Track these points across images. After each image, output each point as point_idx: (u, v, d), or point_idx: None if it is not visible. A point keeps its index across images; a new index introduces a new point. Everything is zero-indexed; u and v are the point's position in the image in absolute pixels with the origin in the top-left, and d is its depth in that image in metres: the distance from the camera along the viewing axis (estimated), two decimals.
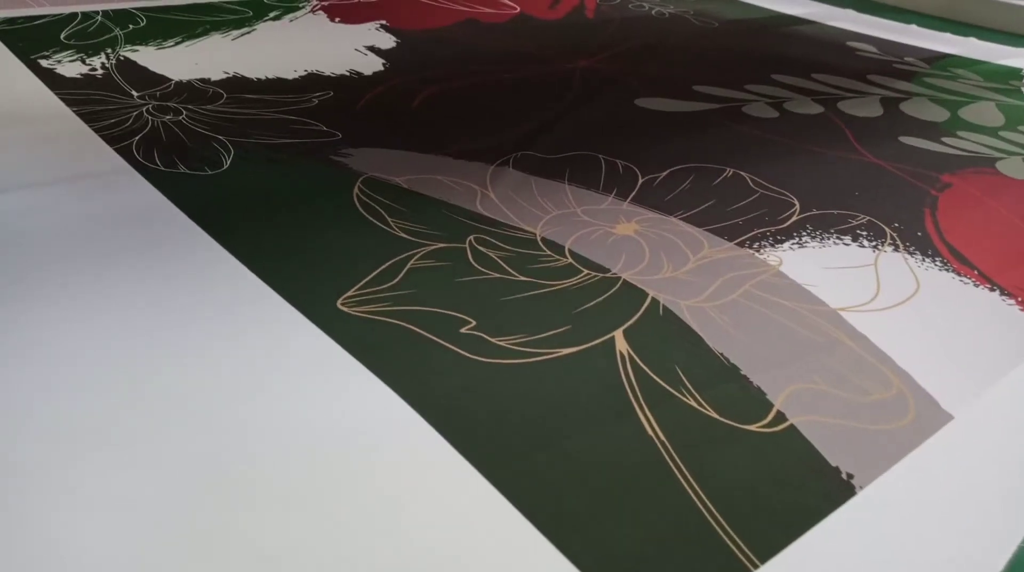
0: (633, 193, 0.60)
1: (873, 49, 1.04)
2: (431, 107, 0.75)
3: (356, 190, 0.57)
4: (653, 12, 1.14)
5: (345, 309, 0.43)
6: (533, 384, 0.39)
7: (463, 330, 0.42)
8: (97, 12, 0.94)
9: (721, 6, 1.21)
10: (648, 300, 0.46)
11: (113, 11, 0.95)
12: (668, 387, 0.40)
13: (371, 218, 0.54)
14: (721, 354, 0.42)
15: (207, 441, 0.35)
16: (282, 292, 0.45)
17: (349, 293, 0.45)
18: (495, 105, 0.77)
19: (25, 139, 0.62)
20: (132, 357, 0.39)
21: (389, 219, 0.54)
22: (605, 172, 0.63)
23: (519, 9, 1.09)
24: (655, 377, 0.40)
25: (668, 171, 0.64)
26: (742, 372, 0.41)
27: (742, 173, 0.64)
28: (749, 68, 0.92)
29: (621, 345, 0.42)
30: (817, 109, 0.80)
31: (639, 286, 0.47)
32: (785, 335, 0.44)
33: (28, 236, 0.49)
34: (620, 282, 0.48)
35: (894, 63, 0.98)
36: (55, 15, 0.93)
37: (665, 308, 0.45)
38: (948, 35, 1.14)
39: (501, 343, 0.41)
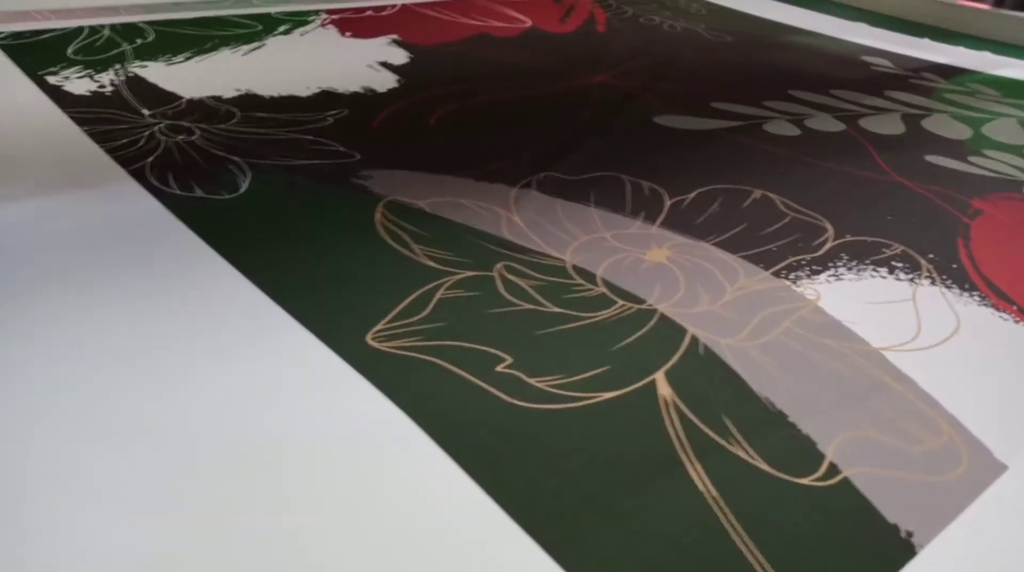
0: (662, 216, 0.58)
1: (888, 64, 1.02)
2: (448, 125, 0.73)
3: (378, 214, 0.55)
4: (665, 26, 1.12)
5: (375, 344, 0.41)
6: (575, 433, 0.37)
7: (499, 368, 0.40)
8: (104, 26, 0.93)
9: (733, 20, 1.20)
10: (687, 338, 0.44)
11: (120, 25, 0.93)
12: (716, 436, 0.38)
13: (395, 245, 0.52)
14: (767, 399, 0.40)
15: (234, 478, 0.33)
16: (309, 325, 0.43)
17: (378, 327, 0.43)
18: (513, 123, 0.75)
19: (35, 160, 0.60)
20: (157, 399, 0.37)
21: (414, 245, 0.52)
22: (631, 194, 0.61)
23: (530, 23, 1.08)
24: (701, 425, 0.38)
25: (695, 193, 0.62)
26: (789, 418, 0.39)
27: (770, 195, 0.62)
28: (766, 84, 0.90)
29: (663, 389, 0.40)
30: (838, 126, 0.79)
31: (677, 321, 0.45)
32: (830, 377, 0.42)
33: (38, 264, 0.47)
34: (657, 315, 0.46)
35: (911, 78, 0.97)
36: (61, 29, 0.91)
37: (706, 347, 0.43)
38: (962, 49, 1.12)
39: (539, 385, 0.39)
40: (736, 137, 0.75)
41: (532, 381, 0.40)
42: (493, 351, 0.41)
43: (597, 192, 0.61)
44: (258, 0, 1.06)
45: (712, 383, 0.41)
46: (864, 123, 0.80)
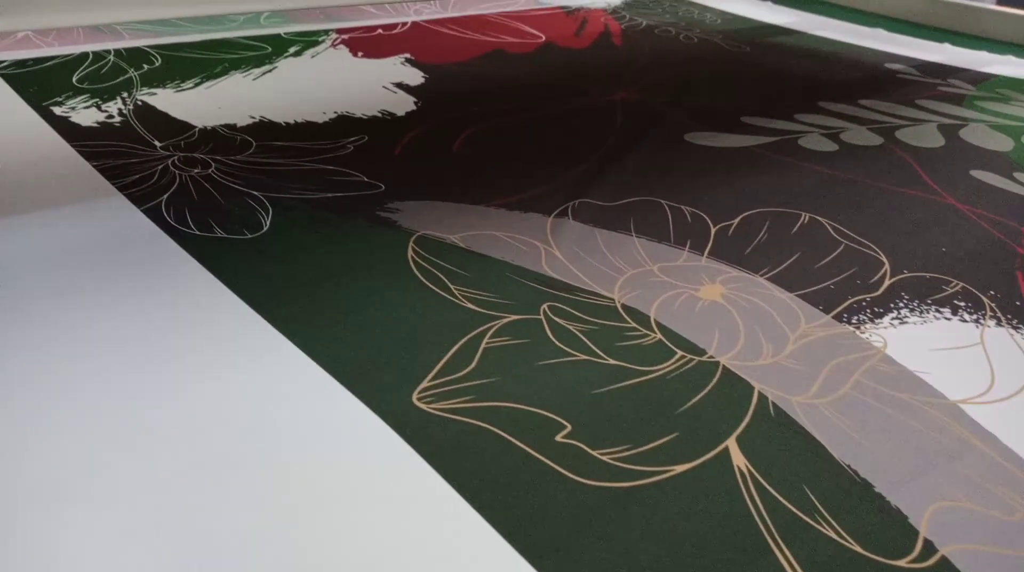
0: (709, 245, 0.54)
1: (913, 71, 0.99)
2: (472, 150, 0.69)
3: (410, 251, 0.52)
4: (681, 37, 1.09)
5: (422, 406, 0.38)
6: (650, 515, 0.33)
7: (559, 438, 0.36)
8: (109, 51, 0.89)
9: (748, 29, 1.16)
10: (755, 396, 0.40)
11: (125, 50, 0.90)
12: (801, 514, 0.34)
13: (431, 285, 0.48)
14: (848, 466, 0.37)
15: (274, 552, 0.29)
16: (349, 384, 0.39)
17: (424, 385, 0.39)
18: (538, 145, 0.71)
19: (43, 201, 0.56)
20: (198, 457, 0.33)
21: (451, 286, 0.48)
22: (672, 220, 0.57)
23: (544, 38, 1.04)
24: (784, 501, 0.34)
25: (740, 217, 0.58)
26: (876, 489, 0.36)
27: (819, 218, 0.58)
28: (793, 95, 0.87)
29: (738, 459, 0.36)
30: (876, 140, 0.75)
31: (742, 376, 0.41)
32: (909, 438, 0.39)
33: (55, 324, 0.43)
34: (720, 370, 0.42)
35: (939, 86, 0.93)
36: (65, 55, 0.87)
37: (776, 406, 0.40)
38: (984, 54, 1.09)
39: (604, 457, 0.36)
40: (772, 154, 0.71)
41: (596, 453, 0.36)
42: (550, 416, 0.38)
43: (636, 219, 0.57)
44: (266, 20, 1.02)
45: (789, 450, 0.37)
46: (901, 135, 0.76)
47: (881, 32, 1.16)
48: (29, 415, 0.36)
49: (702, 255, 0.53)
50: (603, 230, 0.56)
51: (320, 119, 0.73)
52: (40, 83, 0.78)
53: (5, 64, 0.83)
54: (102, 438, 0.35)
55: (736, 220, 0.58)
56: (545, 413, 0.38)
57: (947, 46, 1.11)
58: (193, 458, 0.34)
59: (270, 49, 0.92)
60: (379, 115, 0.75)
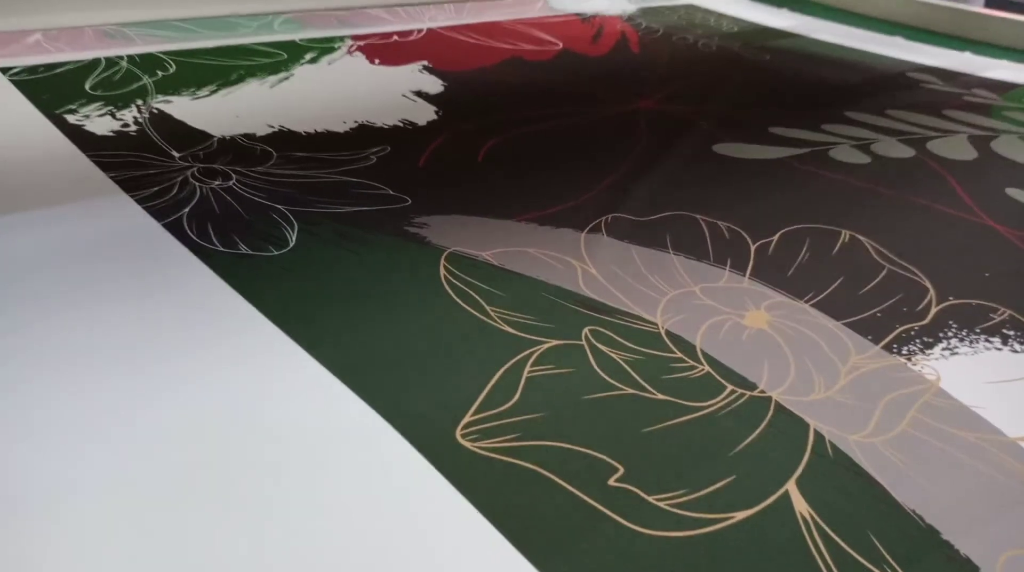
0: (750, 265, 0.52)
1: (936, 80, 0.97)
2: (498, 161, 0.67)
3: (442, 270, 0.49)
4: (699, 44, 1.06)
5: (467, 444, 0.35)
6: (713, 566, 0.31)
7: (611, 482, 0.34)
8: (121, 57, 0.86)
9: (767, 37, 1.14)
10: (811, 435, 0.38)
11: (138, 56, 0.87)
12: (870, 565, 0.31)
13: (467, 306, 0.46)
14: (913, 512, 0.34)
15: None
16: (387, 415, 0.37)
17: (467, 419, 0.37)
18: (564, 155, 0.69)
19: (59, 215, 0.53)
20: (221, 499, 0.31)
21: (487, 307, 0.46)
22: (710, 237, 0.55)
23: (561, 45, 1.02)
24: (851, 551, 0.32)
25: (779, 234, 0.56)
26: (943, 536, 0.33)
27: (859, 237, 0.56)
28: (819, 105, 0.85)
29: (800, 504, 0.34)
30: (907, 151, 0.73)
31: (795, 412, 0.39)
32: (973, 479, 0.36)
33: (71, 343, 0.40)
34: (772, 406, 0.39)
35: (964, 95, 0.91)
36: (76, 61, 0.85)
37: (833, 446, 0.37)
38: (1005, 62, 1.07)
39: (661, 504, 0.33)
40: (804, 166, 0.69)
41: (651, 499, 0.33)
42: (601, 457, 0.35)
43: (673, 235, 0.55)
44: (280, 26, 1.00)
45: (850, 494, 0.35)
46: (932, 147, 0.74)
47: (900, 40, 1.14)
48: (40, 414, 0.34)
49: (744, 275, 0.51)
50: (639, 247, 0.54)
51: (340, 129, 0.70)
52: (52, 90, 0.76)
53: (17, 70, 0.81)
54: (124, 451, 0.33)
55: (775, 237, 0.56)
56: (596, 454, 0.35)
57: (968, 55, 1.09)
58: (220, 489, 0.32)
59: (286, 56, 0.89)
60: (400, 125, 0.72)
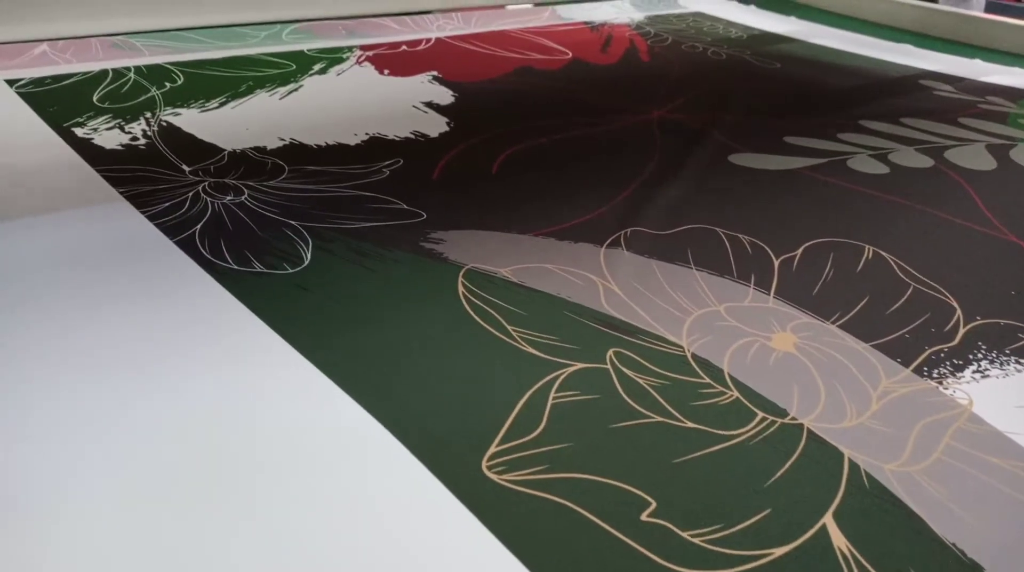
0: (775, 282, 0.50)
1: (949, 87, 0.95)
2: (512, 173, 0.65)
3: (460, 287, 0.48)
4: (709, 53, 1.05)
5: (493, 476, 0.34)
6: None
7: (644, 517, 0.32)
8: (129, 68, 0.85)
9: (776, 44, 1.12)
10: (846, 464, 0.36)
11: (146, 67, 0.86)
12: None
13: (488, 326, 0.44)
14: (954, 545, 0.33)
15: None
16: (411, 445, 0.35)
17: (492, 449, 0.35)
18: (579, 167, 0.67)
19: (69, 234, 0.52)
20: (249, 519, 0.29)
21: (508, 327, 0.44)
22: (732, 252, 0.54)
23: (571, 54, 1.00)
24: None
25: (802, 249, 0.54)
26: (986, 571, 0.32)
27: (883, 253, 0.54)
28: (832, 113, 0.83)
29: (837, 538, 0.32)
30: (926, 161, 0.71)
31: (828, 440, 0.38)
32: (1011, 509, 0.35)
33: (85, 365, 0.39)
34: (805, 434, 0.38)
35: (979, 103, 0.89)
36: (83, 73, 0.83)
37: (869, 476, 0.36)
38: (1016, 69, 1.05)
39: (696, 540, 0.32)
40: (822, 176, 0.67)
41: (686, 535, 0.32)
42: (632, 490, 0.34)
43: (694, 249, 0.54)
44: (288, 36, 0.99)
45: (889, 526, 0.33)
46: (951, 156, 0.73)
47: (910, 47, 1.12)
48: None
49: (769, 294, 0.49)
50: (660, 262, 0.52)
51: (352, 141, 0.69)
52: (60, 102, 0.75)
53: (23, 82, 0.79)
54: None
55: (798, 251, 0.54)
56: (626, 487, 0.34)
57: (978, 62, 1.07)
58: (237, 508, 0.30)
59: (294, 66, 0.88)
60: (412, 136, 0.71)
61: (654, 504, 0.33)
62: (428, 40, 1.01)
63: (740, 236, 0.56)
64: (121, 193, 0.57)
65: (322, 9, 1.08)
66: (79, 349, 0.40)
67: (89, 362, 0.39)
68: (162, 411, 0.36)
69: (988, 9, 1.44)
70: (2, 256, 0.48)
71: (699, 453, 0.36)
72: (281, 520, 0.31)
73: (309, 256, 0.50)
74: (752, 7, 1.30)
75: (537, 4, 1.22)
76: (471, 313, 0.45)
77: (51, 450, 0.34)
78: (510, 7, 1.20)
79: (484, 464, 0.34)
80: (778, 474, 0.35)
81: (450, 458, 0.34)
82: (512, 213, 0.58)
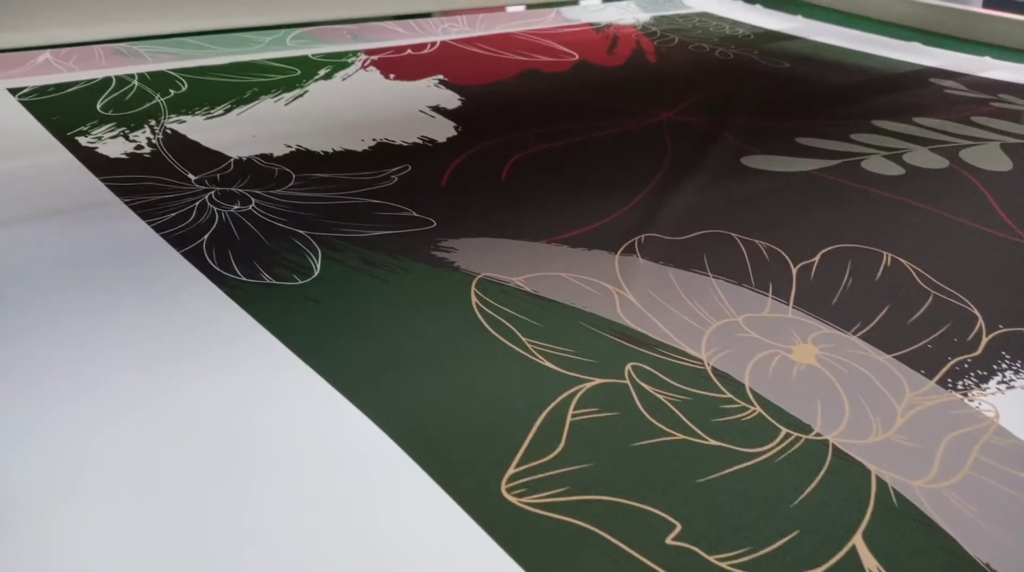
0: (793, 291, 0.49)
1: (959, 85, 0.94)
2: (522, 178, 0.64)
3: (473, 298, 0.46)
4: (716, 53, 1.04)
5: (513, 499, 0.32)
6: None
7: (669, 540, 0.31)
8: (132, 75, 0.84)
9: (783, 44, 1.11)
10: (874, 482, 0.35)
11: (149, 74, 0.85)
12: None
13: (502, 338, 0.43)
14: (988, 566, 0.31)
15: None
16: (426, 465, 0.34)
17: (511, 470, 0.34)
18: (590, 171, 0.66)
19: (76, 243, 0.51)
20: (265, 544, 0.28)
21: (524, 339, 0.43)
22: (749, 258, 0.52)
23: (578, 56, 0.99)
24: None
25: (819, 255, 0.53)
26: None
27: (901, 260, 0.53)
28: (844, 113, 0.82)
29: (868, 561, 0.31)
30: (941, 162, 0.70)
31: (854, 456, 0.36)
32: None
33: (95, 381, 0.38)
34: (830, 451, 0.36)
35: (990, 101, 0.88)
36: (87, 80, 0.82)
37: (897, 493, 0.34)
38: None
39: (723, 564, 0.30)
40: (837, 178, 0.66)
41: (713, 559, 0.30)
42: (656, 512, 0.32)
43: (710, 256, 0.52)
44: (292, 41, 0.97)
45: (920, 546, 0.32)
46: (966, 157, 0.71)
47: (918, 46, 1.11)
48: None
49: (788, 304, 0.48)
50: (676, 269, 0.51)
51: (359, 147, 0.68)
52: (63, 111, 0.73)
53: (26, 91, 0.78)
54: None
55: (816, 258, 0.53)
56: (649, 509, 0.32)
57: (988, 59, 1.06)
58: (251, 525, 0.29)
59: (299, 72, 0.87)
60: (420, 142, 0.70)
61: (679, 527, 0.32)
62: (433, 44, 1.00)
63: (756, 241, 0.54)
64: (127, 203, 0.56)
65: (326, 12, 1.07)
66: (84, 361, 0.39)
67: (94, 371, 0.38)
68: (172, 444, 0.35)
69: (988, 4, 1.42)
70: (9, 266, 0.47)
71: (723, 472, 0.35)
72: (292, 548, 0.29)
73: (319, 266, 0.49)
74: (758, 6, 1.29)
75: (529, 7, 1.20)
76: (485, 324, 0.44)
77: (54, 453, 0.32)
78: (509, 9, 1.19)
79: (504, 486, 0.33)
80: (805, 493, 0.34)
81: (469, 480, 0.33)
82: (523, 220, 0.56)
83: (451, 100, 0.81)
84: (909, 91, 0.92)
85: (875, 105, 0.85)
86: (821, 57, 1.05)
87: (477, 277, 0.49)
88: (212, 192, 0.58)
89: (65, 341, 0.41)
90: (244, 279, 0.47)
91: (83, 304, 0.44)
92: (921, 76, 0.97)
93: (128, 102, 0.77)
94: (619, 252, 0.53)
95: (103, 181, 0.60)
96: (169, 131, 0.70)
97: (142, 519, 0.30)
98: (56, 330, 0.41)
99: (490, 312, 0.45)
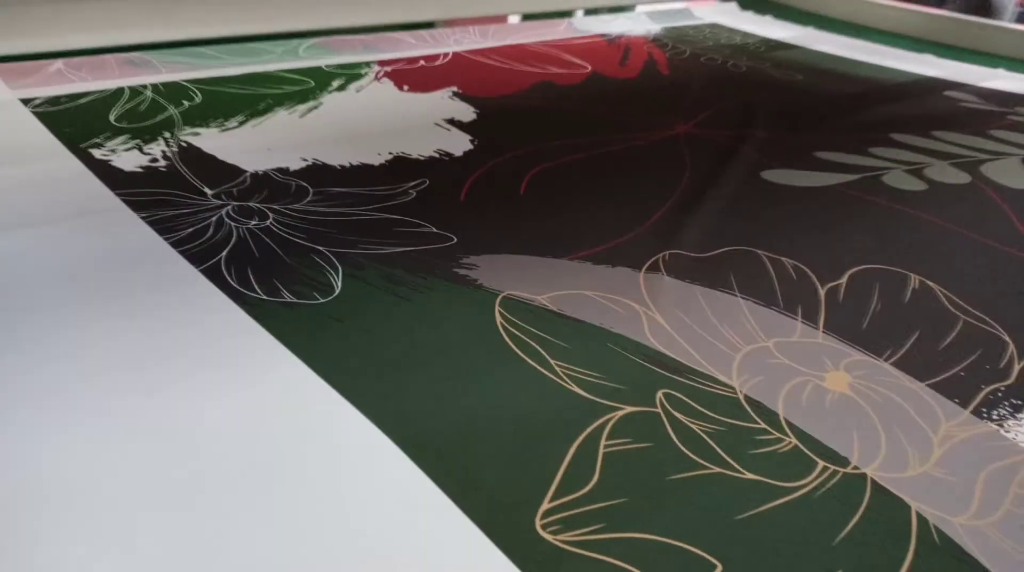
0: (822, 314, 0.47)
1: (975, 98, 0.92)
2: (541, 193, 0.63)
3: (498, 317, 0.45)
4: (728, 65, 1.02)
5: (548, 536, 0.31)
6: None
7: None
8: (146, 86, 0.83)
9: (795, 56, 1.10)
10: (914, 518, 0.33)
11: (163, 84, 0.83)
12: None
13: (529, 360, 0.42)
14: None
15: None
16: (459, 500, 0.32)
17: (545, 505, 0.32)
18: (609, 186, 0.65)
19: (92, 259, 0.49)
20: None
21: (552, 362, 0.41)
22: (776, 278, 0.51)
23: (590, 68, 0.98)
24: None
25: (847, 276, 0.52)
26: None
27: (929, 283, 0.52)
28: (861, 127, 0.80)
29: None
30: (963, 177, 0.69)
31: (893, 491, 0.35)
32: None
33: (107, 384, 0.36)
34: (869, 485, 0.35)
35: (1007, 114, 0.87)
36: (100, 91, 0.81)
37: (939, 531, 0.33)
38: None
39: None
40: (859, 194, 0.64)
41: None
42: (695, 551, 0.31)
43: (737, 274, 0.51)
44: (305, 52, 0.96)
45: None
46: (986, 171, 0.70)
47: (930, 58, 1.10)
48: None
49: (818, 328, 0.46)
50: (703, 288, 0.49)
51: (375, 161, 0.66)
52: (76, 122, 0.72)
53: (38, 102, 0.77)
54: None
55: (844, 279, 0.51)
56: (688, 547, 0.31)
57: (1001, 71, 1.04)
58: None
59: (313, 83, 0.85)
60: (436, 155, 0.68)
61: (720, 567, 0.30)
62: (446, 55, 0.98)
63: (783, 259, 0.53)
64: (143, 218, 0.55)
65: (338, 21, 1.06)
66: (96, 376, 0.37)
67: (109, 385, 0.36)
68: (189, 462, 0.33)
69: (1021, 20, 1.40)
70: (19, 277, 0.46)
71: (762, 508, 0.33)
72: None
73: (340, 284, 0.47)
74: (769, 17, 1.28)
75: (525, 18, 1.19)
76: (511, 345, 0.43)
77: (62, 469, 0.31)
78: (511, 19, 1.18)
79: (538, 523, 0.31)
80: (846, 531, 0.33)
81: (502, 516, 0.31)
82: (544, 235, 0.55)
83: (466, 113, 0.79)
84: (925, 103, 0.90)
85: (892, 118, 0.84)
86: (834, 69, 1.03)
87: (501, 295, 0.47)
88: (229, 207, 0.57)
89: (77, 353, 0.39)
90: (264, 297, 0.46)
91: (99, 322, 0.42)
92: (935, 88, 0.96)
93: (142, 113, 0.75)
94: (644, 269, 0.51)
95: (118, 195, 0.58)
96: (184, 144, 0.68)
97: (152, 539, 0.29)
98: (67, 343, 0.40)
99: (516, 332, 0.44)
